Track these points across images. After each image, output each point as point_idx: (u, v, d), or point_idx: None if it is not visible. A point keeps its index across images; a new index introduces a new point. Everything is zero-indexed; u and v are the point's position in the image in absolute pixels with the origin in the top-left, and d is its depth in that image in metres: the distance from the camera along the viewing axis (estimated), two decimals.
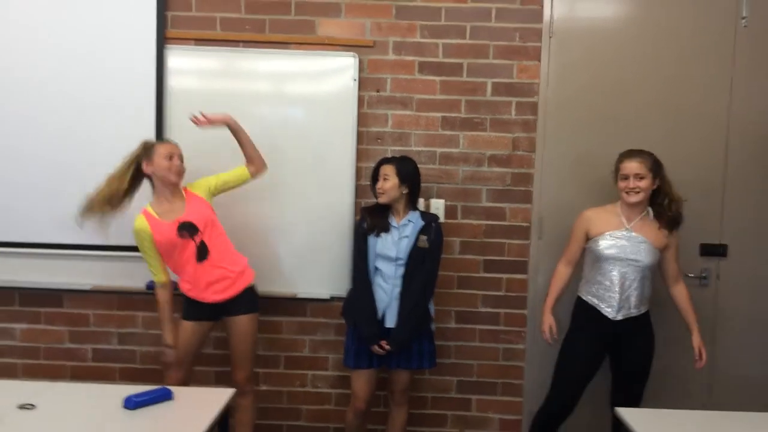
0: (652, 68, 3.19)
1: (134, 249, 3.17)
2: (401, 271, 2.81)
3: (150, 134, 3.13)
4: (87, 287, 3.25)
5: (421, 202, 3.12)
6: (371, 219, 2.85)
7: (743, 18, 3.15)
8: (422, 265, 2.81)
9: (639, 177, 2.70)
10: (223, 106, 3.14)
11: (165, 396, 2.21)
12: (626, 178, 2.72)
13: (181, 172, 2.77)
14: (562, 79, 3.21)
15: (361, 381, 2.87)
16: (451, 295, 3.27)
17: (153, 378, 3.07)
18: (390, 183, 2.81)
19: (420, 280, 2.80)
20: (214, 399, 2.24)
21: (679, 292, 2.86)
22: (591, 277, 2.84)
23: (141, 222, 2.72)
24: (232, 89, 3.19)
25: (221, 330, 2.97)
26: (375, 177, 2.88)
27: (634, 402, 2.80)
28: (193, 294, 2.80)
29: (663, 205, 2.76)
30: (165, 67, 3.17)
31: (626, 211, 2.78)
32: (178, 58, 3.18)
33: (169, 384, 2.59)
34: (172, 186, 2.76)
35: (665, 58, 3.19)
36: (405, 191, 2.84)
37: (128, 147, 3.10)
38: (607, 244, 2.76)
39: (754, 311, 3.23)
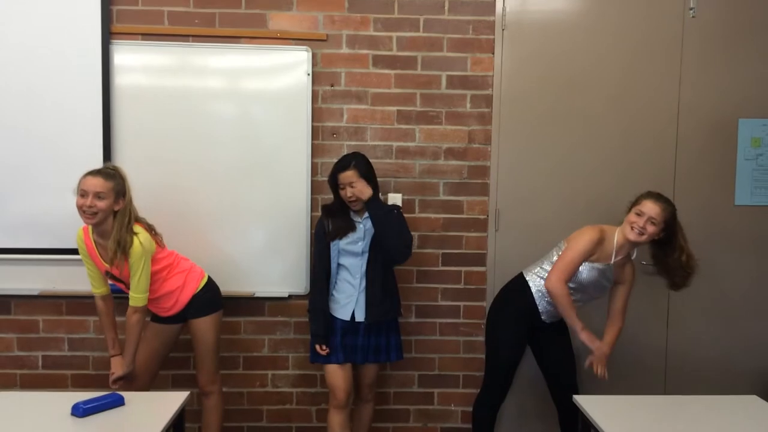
0: (603, 61, 3.23)
1: None
2: (366, 260, 2.79)
3: (97, 135, 3.05)
4: (35, 292, 3.14)
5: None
6: (333, 222, 2.79)
7: (691, 9, 3.21)
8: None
9: (652, 222, 2.61)
10: (174, 103, 3.09)
11: (116, 402, 2.14)
12: (640, 215, 2.62)
13: (96, 213, 2.48)
14: (516, 72, 3.22)
15: (336, 375, 2.81)
16: (411, 290, 3.26)
17: (107, 384, 2.96)
18: (359, 186, 2.72)
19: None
20: (168, 403, 2.18)
21: (616, 327, 2.81)
22: None
23: (79, 234, 2.64)
24: (182, 86, 3.11)
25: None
26: (336, 185, 2.77)
27: (573, 384, 2.85)
28: (149, 307, 2.76)
29: (676, 259, 2.66)
30: (111, 64, 3.07)
31: (621, 247, 2.72)
32: (125, 54, 3.09)
33: (132, 390, 2.53)
34: (101, 224, 2.54)
35: (616, 51, 3.23)
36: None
37: (73, 149, 3.04)
38: (589, 272, 2.72)
39: (705, 296, 3.31)
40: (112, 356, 2.72)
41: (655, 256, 2.74)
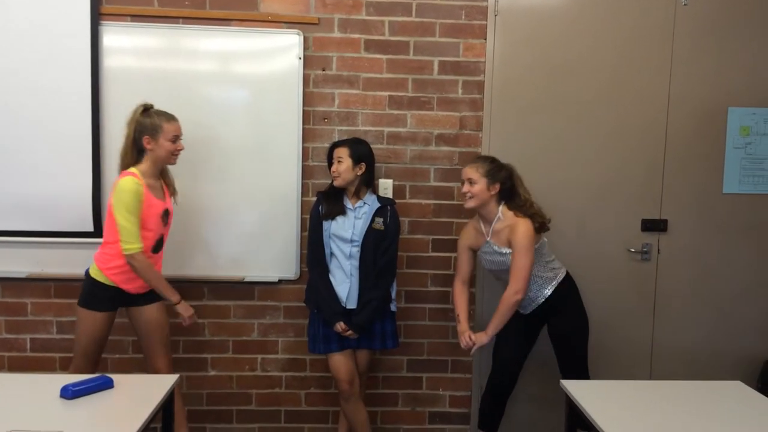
0: (595, 49, 3.23)
1: (71, 235, 3.08)
2: (357, 251, 2.80)
3: (86, 117, 3.02)
4: (23, 275, 3.13)
5: None
6: (326, 204, 2.83)
7: None
8: (378, 249, 2.81)
9: (470, 182, 2.73)
10: (163, 86, 3.06)
11: (105, 384, 2.13)
12: (462, 184, 2.78)
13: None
14: (508, 58, 3.22)
15: (339, 363, 2.83)
16: (401, 275, 3.26)
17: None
18: (344, 165, 2.78)
19: (380, 266, 2.81)
20: (157, 386, 2.18)
21: (503, 296, 2.75)
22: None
23: (137, 183, 2.58)
24: (172, 68, 3.09)
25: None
26: (330, 160, 2.85)
27: (579, 365, 2.85)
28: (119, 280, 2.66)
29: (523, 203, 2.76)
30: (100, 46, 3.04)
31: (482, 222, 2.83)
32: (114, 36, 3.06)
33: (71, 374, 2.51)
34: (166, 166, 2.75)
35: (608, 39, 3.23)
36: (359, 173, 2.81)
37: (63, 130, 3.03)
38: (483, 258, 2.87)
39: (693, 283, 3.34)
40: (177, 303, 2.73)
41: (509, 203, 2.78)
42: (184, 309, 2.75)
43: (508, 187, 2.78)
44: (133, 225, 2.58)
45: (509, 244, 2.72)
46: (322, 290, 2.81)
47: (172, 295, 2.72)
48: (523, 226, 2.69)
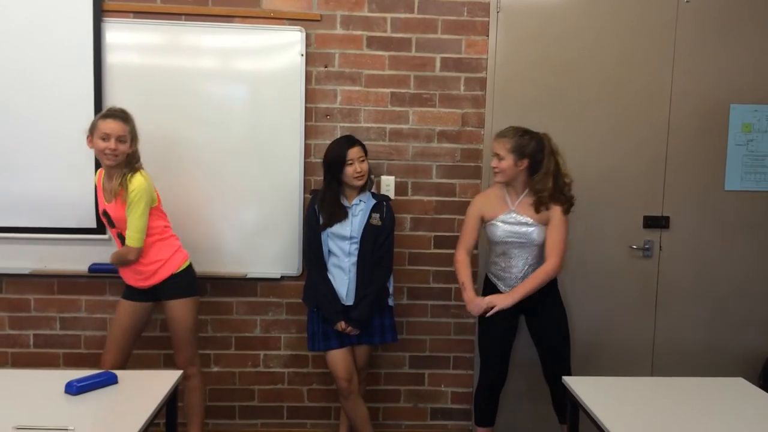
0: (597, 45, 3.23)
1: (74, 231, 3.10)
2: (355, 248, 2.81)
3: (88, 113, 3.00)
4: (26, 271, 3.13)
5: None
6: (325, 209, 2.80)
7: None
8: (375, 244, 2.81)
9: (498, 157, 2.70)
10: (165, 83, 3.07)
11: (109, 380, 2.14)
12: (492, 156, 2.75)
13: (117, 155, 2.59)
14: (510, 55, 3.22)
15: (337, 360, 2.84)
16: (403, 272, 3.27)
17: (98, 362, 2.98)
18: (366, 164, 2.81)
19: (375, 259, 2.81)
20: (161, 382, 2.19)
21: (541, 268, 2.75)
22: (490, 257, 2.90)
23: (96, 177, 2.69)
24: (174, 65, 3.09)
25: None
26: (344, 161, 2.76)
27: (562, 366, 2.83)
28: (123, 276, 2.78)
29: (539, 178, 2.70)
30: (103, 42, 3.04)
31: (509, 192, 2.80)
32: (117, 33, 3.06)
33: (103, 368, 2.53)
34: (107, 168, 2.66)
35: (610, 36, 3.23)
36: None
37: (66, 127, 3.02)
38: (498, 228, 2.78)
39: (694, 280, 3.34)
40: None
41: (534, 178, 2.73)
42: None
43: (538, 160, 2.71)
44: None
45: (536, 217, 2.71)
46: (322, 289, 2.82)
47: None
48: None
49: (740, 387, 2.33)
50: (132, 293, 2.80)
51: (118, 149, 2.59)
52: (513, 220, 2.77)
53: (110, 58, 3.05)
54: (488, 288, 2.90)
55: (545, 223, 2.74)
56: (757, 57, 3.25)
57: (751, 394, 2.26)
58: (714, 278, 3.34)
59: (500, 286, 2.84)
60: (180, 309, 2.78)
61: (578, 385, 2.28)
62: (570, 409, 2.31)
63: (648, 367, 3.38)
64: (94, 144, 2.61)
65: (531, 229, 2.74)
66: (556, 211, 2.72)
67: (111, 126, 2.59)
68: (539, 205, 2.72)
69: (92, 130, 2.62)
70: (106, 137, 2.57)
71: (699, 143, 3.29)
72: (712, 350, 3.37)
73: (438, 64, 3.21)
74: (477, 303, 2.74)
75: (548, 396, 2.92)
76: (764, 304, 3.37)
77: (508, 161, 2.69)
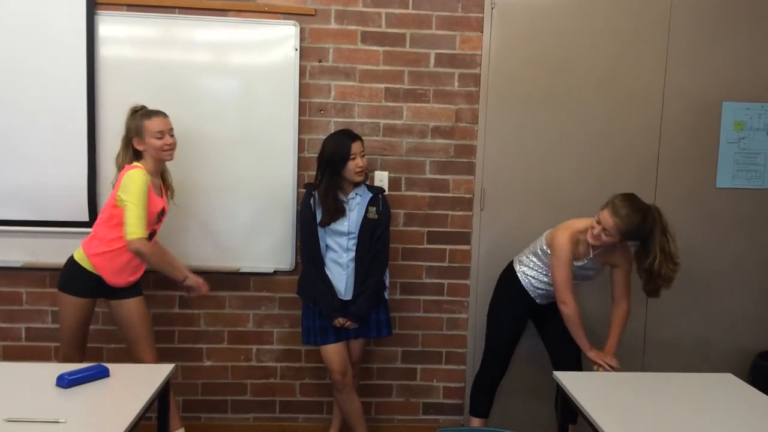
0: (591, 42, 3.23)
1: (66, 224, 3.07)
2: (353, 244, 2.81)
3: (81, 106, 3.01)
4: (18, 264, 3.12)
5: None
6: (326, 206, 2.77)
7: None
8: (373, 237, 2.81)
9: (606, 233, 2.57)
10: (159, 77, 3.06)
11: (101, 373, 2.14)
12: (599, 222, 2.59)
13: (174, 147, 2.71)
14: (504, 51, 3.22)
15: (332, 354, 2.84)
16: (396, 267, 3.27)
17: (90, 356, 2.98)
18: (365, 159, 2.81)
19: (373, 253, 2.82)
20: (153, 375, 2.19)
21: (620, 310, 2.84)
22: (536, 270, 2.86)
23: (145, 175, 2.60)
24: (168, 59, 3.08)
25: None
26: (348, 156, 2.73)
27: (575, 358, 2.88)
28: (104, 272, 2.68)
29: (648, 265, 2.59)
30: (96, 35, 3.02)
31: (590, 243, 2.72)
32: (110, 26, 3.04)
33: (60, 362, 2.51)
34: (163, 163, 2.74)
35: (604, 33, 3.23)
36: None
37: (57, 120, 3.02)
38: (573, 269, 2.74)
39: (684, 276, 3.34)
40: (185, 279, 2.73)
41: (636, 256, 2.70)
42: (195, 280, 2.75)
43: (644, 239, 2.59)
44: (142, 213, 2.57)
45: (605, 263, 2.78)
46: (320, 286, 2.82)
47: (181, 274, 2.72)
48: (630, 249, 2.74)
49: (729, 383, 2.35)
50: (85, 289, 2.69)
51: (174, 142, 2.70)
52: (592, 266, 2.79)
53: (103, 51, 3.04)
54: (519, 293, 2.88)
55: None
56: (749, 55, 3.27)
57: (740, 389, 2.28)
58: (705, 275, 3.36)
59: (535, 296, 2.87)
60: (140, 304, 2.78)
61: (568, 379, 2.29)
62: (560, 404, 2.33)
63: (639, 363, 3.40)
64: (146, 144, 2.65)
65: (596, 272, 2.83)
66: (627, 260, 2.75)
67: (161, 123, 2.66)
68: (649, 285, 2.67)
69: (139, 132, 2.64)
70: (160, 135, 2.64)
71: (691, 140, 3.30)
72: (702, 346, 3.39)
73: (432, 59, 3.21)
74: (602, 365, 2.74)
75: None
76: (754, 301, 3.40)
77: (613, 239, 2.58)
